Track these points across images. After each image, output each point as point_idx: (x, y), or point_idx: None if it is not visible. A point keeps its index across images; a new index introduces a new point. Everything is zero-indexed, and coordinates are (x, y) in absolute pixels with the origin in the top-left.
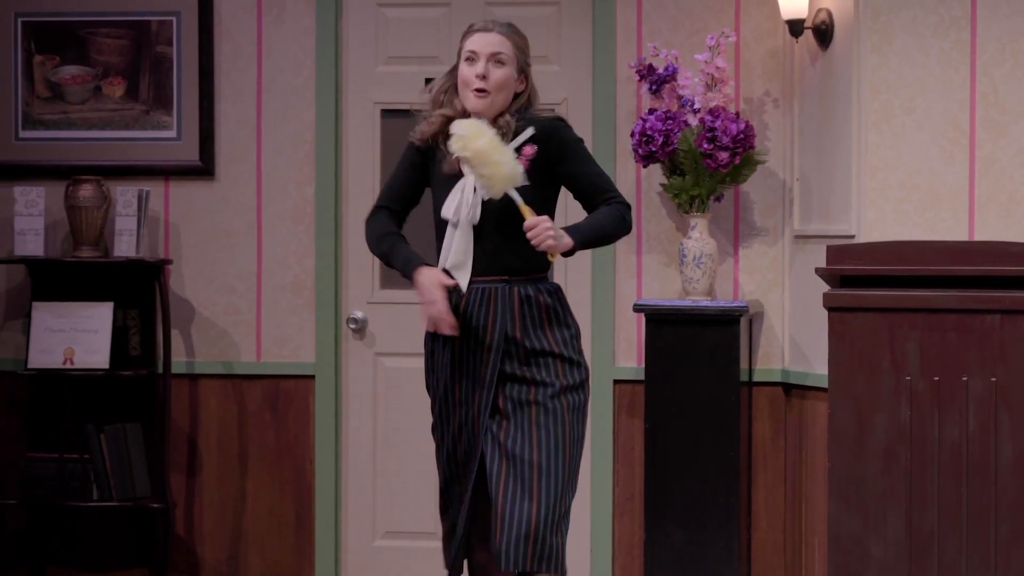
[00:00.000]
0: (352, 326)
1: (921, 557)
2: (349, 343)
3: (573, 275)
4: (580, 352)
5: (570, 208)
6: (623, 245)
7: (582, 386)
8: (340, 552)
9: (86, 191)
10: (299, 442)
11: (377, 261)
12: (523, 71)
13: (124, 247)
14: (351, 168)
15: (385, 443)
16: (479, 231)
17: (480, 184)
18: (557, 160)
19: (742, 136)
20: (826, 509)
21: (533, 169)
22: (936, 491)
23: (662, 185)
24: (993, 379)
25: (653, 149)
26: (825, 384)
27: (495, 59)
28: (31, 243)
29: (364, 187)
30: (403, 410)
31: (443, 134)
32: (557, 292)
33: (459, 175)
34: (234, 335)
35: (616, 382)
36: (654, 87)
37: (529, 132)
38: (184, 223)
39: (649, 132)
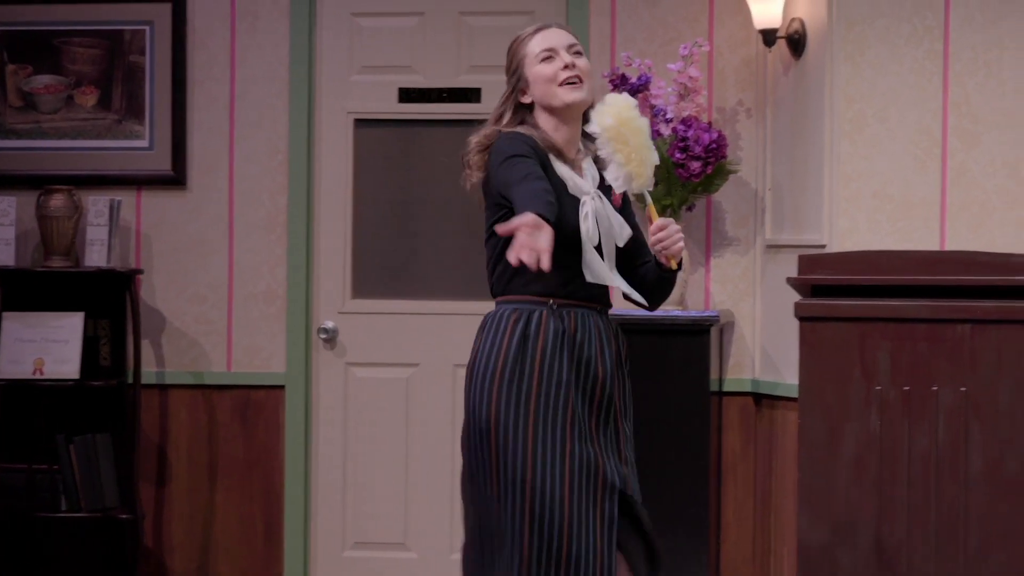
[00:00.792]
0: (323, 336)
1: (890, 567)
2: (320, 353)
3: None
4: None
5: None
6: None
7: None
8: (309, 563)
9: (57, 201)
10: (269, 452)
11: (349, 270)
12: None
13: (95, 257)
14: (324, 178)
15: (355, 453)
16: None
17: (622, 171)
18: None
19: (714, 146)
20: (796, 519)
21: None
22: (905, 501)
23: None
24: (963, 389)
25: None
26: (795, 394)
27: (573, 50)
28: (2, 253)
29: (337, 197)
30: (373, 420)
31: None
32: None
33: (563, 186)
34: (205, 345)
35: None
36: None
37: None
38: (156, 233)
39: None
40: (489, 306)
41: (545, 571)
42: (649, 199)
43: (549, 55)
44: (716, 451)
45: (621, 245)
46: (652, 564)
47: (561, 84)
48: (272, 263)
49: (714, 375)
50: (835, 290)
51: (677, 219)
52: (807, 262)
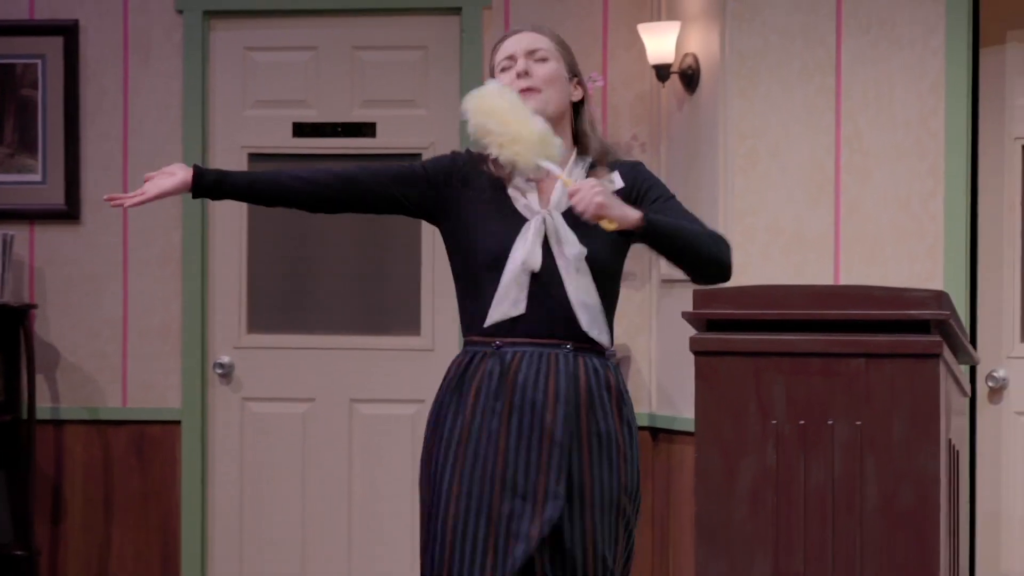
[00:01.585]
0: (219, 371)
1: None
2: (216, 388)
3: (441, 318)
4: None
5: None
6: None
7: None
8: None
9: None
10: (165, 488)
11: (245, 305)
12: (575, 74)
13: None
14: (218, 213)
15: (252, 488)
16: (536, 279)
17: (502, 156)
18: (643, 198)
19: None
20: (693, 553)
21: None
22: (803, 534)
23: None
24: (858, 423)
25: None
26: (692, 428)
27: (533, 56)
28: None
29: (231, 232)
30: (270, 455)
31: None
32: (620, 375)
33: (511, 209)
34: (100, 380)
35: None
36: None
37: (615, 179)
38: (49, 267)
39: None
40: (385, 341)
41: None
42: (553, 168)
43: (507, 64)
44: None
45: (573, 269)
46: None
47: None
48: (167, 298)
49: None
50: (730, 325)
51: None
52: (702, 297)
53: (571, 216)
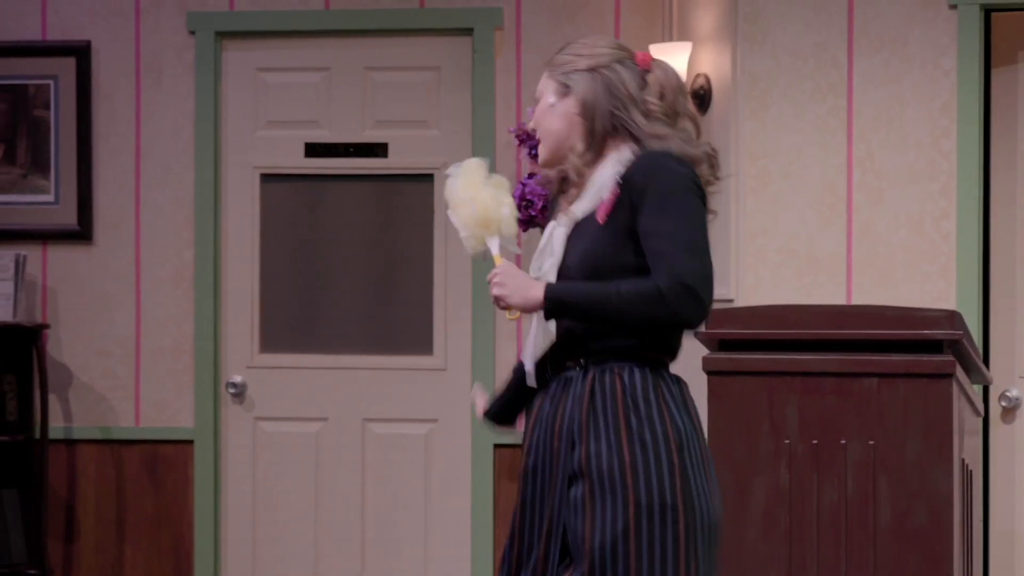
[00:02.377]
0: (231, 391)
1: None
2: (228, 408)
3: (453, 338)
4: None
5: None
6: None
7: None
8: None
9: None
10: (178, 508)
11: (258, 324)
12: (567, 84)
13: (1, 312)
14: (231, 232)
15: (264, 508)
16: None
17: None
18: (635, 208)
19: None
20: None
21: (614, 224)
22: (816, 554)
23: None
24: (871, 442)
25: (533, 213)
26: None
27: (542, 101)
28: None
29: (243, 251)
30: (283, 475)
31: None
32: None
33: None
34: (112, 400)
35: (496, 446)
36: (533, 151)
37: (608, 174)
38: (62, 287)
39: (529, 196)
40: (398, 361)
41: None
42: (493, 248)
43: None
44: None
45: (551, 278)
46: None
47: None
48: (179, 318)
49: None
50: (743, 344)
51: None
52: (715, 317)
53: (589, 221)
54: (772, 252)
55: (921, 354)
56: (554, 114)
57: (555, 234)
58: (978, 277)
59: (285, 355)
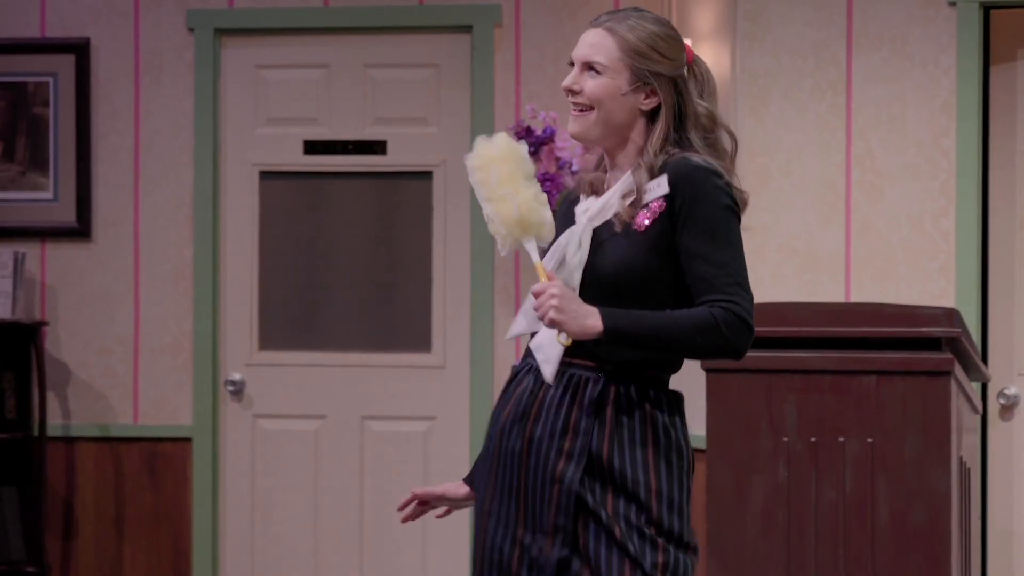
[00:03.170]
0: (230, 388)
1: None
2: (227, 405)
3: (452, 336)
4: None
5: None
6: (511, 307)
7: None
8: None
9: None
10: (176, 505)
11: (256, 322)
12: (647, 81)
13: (0, 309)
14: (230, 230)
15: (263, 506)
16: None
17: (494, 230)
18: (676, 220)
19: None
20: (705, 570)
21: (654, 233)
22: (814, 552)
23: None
24: (869, 440)
25: None
26: (703, 445)
27: (589, 68)
28: None
29: (242, 249)
30: (281, 472)
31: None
32: (672, 404)
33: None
34: (111, 398)
35: None
36: (532, 149)
37: (662, 183)
38: (61, 285)
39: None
40: (396, 358)
41: None
42: (532, 253)
43: (570, 69)
44: None
45: (573, 285)
46: None
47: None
48: (178, 315)
49: None
50: None
51: None
52: None
53: (607, 228)
54: (771, 250)
55: (920, 352)
56: (625, 104)
57: (583, 233)
58: (977, 275)
59: (284, 353)
